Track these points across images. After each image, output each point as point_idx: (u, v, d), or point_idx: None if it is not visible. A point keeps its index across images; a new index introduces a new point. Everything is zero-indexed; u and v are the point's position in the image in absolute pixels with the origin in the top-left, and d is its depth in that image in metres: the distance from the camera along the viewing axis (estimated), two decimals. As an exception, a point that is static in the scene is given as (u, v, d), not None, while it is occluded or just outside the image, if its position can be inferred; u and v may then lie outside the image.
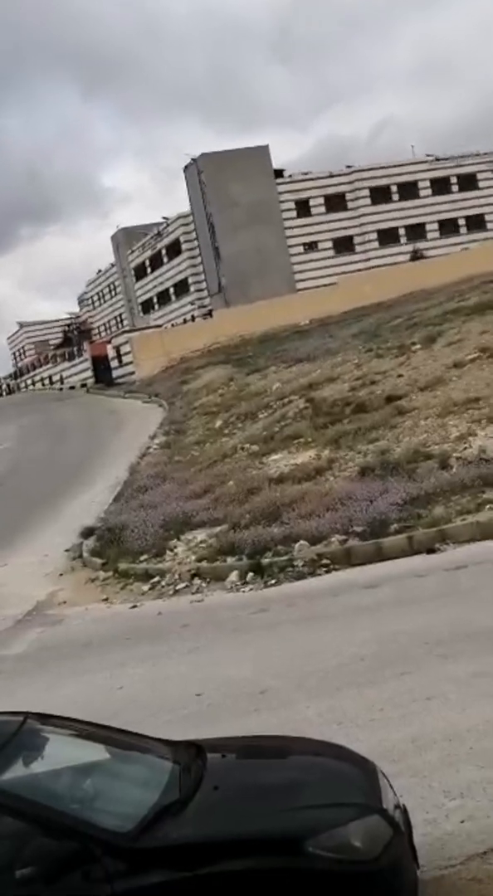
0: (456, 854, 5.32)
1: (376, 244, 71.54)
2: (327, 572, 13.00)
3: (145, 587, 14.51)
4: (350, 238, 71.68)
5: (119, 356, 59.46)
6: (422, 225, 72.70)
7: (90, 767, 5.03)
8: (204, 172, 66.06)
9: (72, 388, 63.94)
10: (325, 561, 13.23)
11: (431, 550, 12.71)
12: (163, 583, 14.39)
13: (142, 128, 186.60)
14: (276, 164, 70.29)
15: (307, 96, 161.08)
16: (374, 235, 71.81)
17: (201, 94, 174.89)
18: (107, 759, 5.14)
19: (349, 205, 71.64)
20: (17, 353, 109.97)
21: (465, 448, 15.91)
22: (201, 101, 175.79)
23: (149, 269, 79.79)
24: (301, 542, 13.69)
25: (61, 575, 16.55)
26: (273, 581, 13.14)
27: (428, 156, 74.11)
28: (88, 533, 18.21)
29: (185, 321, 66.88)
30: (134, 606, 13.77)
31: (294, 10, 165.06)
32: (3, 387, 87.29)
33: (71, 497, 22.84)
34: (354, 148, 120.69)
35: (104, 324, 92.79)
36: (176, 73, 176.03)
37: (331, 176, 71.63)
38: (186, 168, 69.09)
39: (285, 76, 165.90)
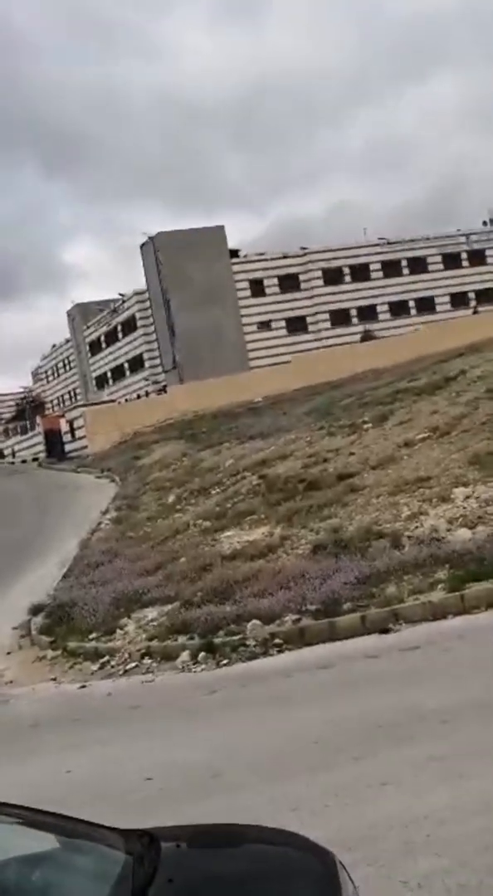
0: None
1: (328, 324, 72.86)
2: (280, 652, 12.88)
3: (95, 667, 14.26)
4: (303, 318, 72.95)
5: (72, 430, 59.34)
6: (373, 306, 74.29)
7: (38, 858, 4.84)
8: (160, 251, 67.02)
9: (24, 461, 63.51)
10: (278, 640, 13.12)
11: (384, 630, 12.67)
12: (113, 662, 14.16)
13: (103, 206, 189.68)
14: (236, 245, 71.78)
15: (266, 179, 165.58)
16: (326, 315, 73.15)
17: (162, 176, 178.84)
18: (56, 850, 4.95)
19: (303, 285, 73.07)
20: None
21: (416, 527, 15.98)
22: (162, 182, 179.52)
23: (104, 345, 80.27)
24: (254, 621, 13.57)
25: (8, 653, 16.24)
26: (226, 661, 12.98)
27: (380, 239, 76.04)
28: (36, 610, 17.93)
29: (139, 396, 67.15)
30: (83, 686, 13.51)
31: (253, 98, 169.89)
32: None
33: (20, 573, 22.50)
34: (310, 229, 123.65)
35: (58, 398, 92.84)
36: (137, 155, 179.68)
37: (285, 257, 73.11)
38: (142, 246, 70.07)
39: (245, 159, 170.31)
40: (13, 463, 64.76)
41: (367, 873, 5.78)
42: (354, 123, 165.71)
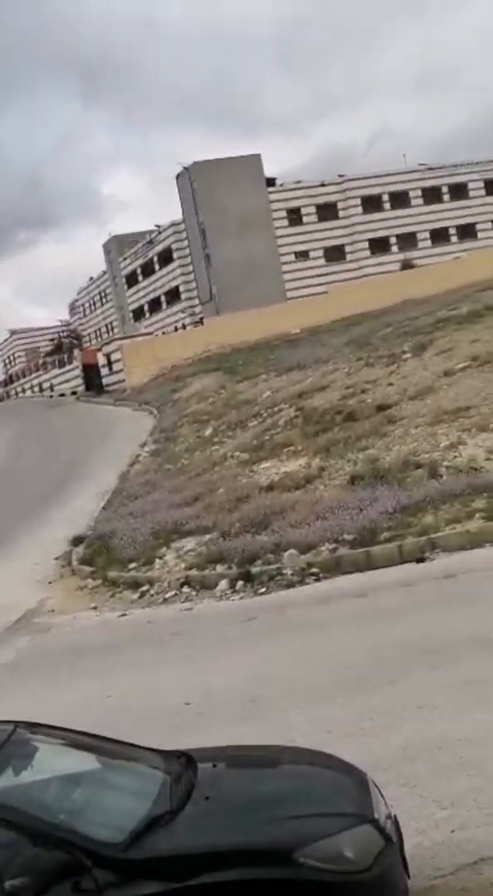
0: (447, 864, 5.31)
1: (367, 253, 71.80)
2: (317, 581, 12.99)
3: (135, 596, 14.48)
4: (341, 247, 71.94)
5: (110, 364, 59.37)
6: (413, 234, 73.00)
7: (80, 777, 5.00)
8: (196, 181, 66.14)
9: (62, 395, 63.80)
10: (314, 570, 13.22)
11: (420, 559, 12.71)
12: (152, 591, 14.36)
13: (141, 135, 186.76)
14: (275, 172, 70.73)
15: (307, 104, 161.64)
16: (365, 244, 72.07)
17: (201, 102, 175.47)
18: (97, 769, 5.12)
19: (341, 214, 71.92)
20: (7, 360, 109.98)
21: (455, 457, 15.92)
22: (201, 108, 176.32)
23: (140, 277, 79.87)
24: (291, 550, 13.67)
25: (51, 583, 16.51)
26: (263, 590, 13.12)
27: (420, 165, 74.44)
28: (77, 541, 18.17)
29: (176, 329, 66.89)
30: (123, 615, 13.74)
31: (293, 20, 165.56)
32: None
33: (61, 505, 22.78)
34: (352, 156, 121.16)
35: (95, 331, 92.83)
36: (176, 81, 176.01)
37: (322, 185, 71.90)
38: (178, 176, 69.17)
39: (285, 84, 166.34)
40: (52, 396, 65.08)
41: (400, 793, 5.91)
42: (398, 46, 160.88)
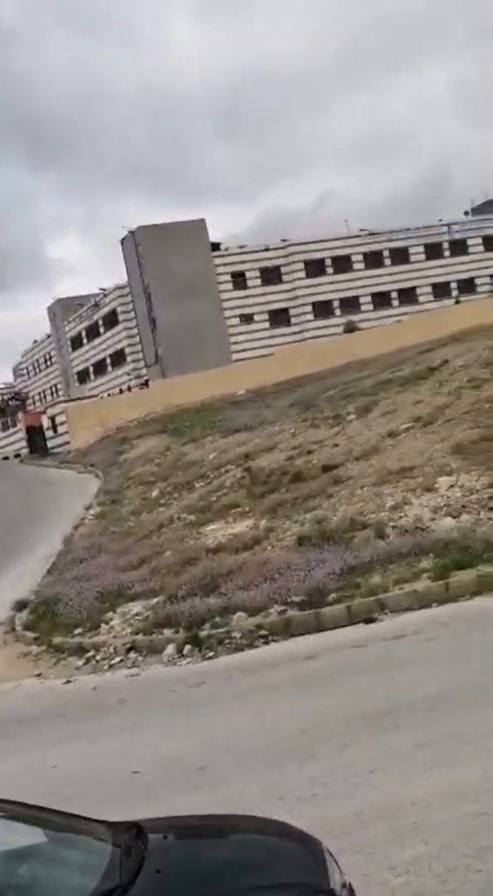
0: (403, 934, 5.20)
1: (310, 316, 72.81)
2: (266, 643, 12.89)
3: (80, 662, 14.23)
4: (286, 310, 72.87)
5: (54, 426, 59.15)
6: (356, 298, 74.25)
7: (26, 852, 4.82)
8: (141, 245, 66.81)
9: (6, 458, 63.28)
10: (263, 632, 13.12)
11: (369, 620, 12.69)
12: (98, 657, 14.13)
13: (88, 200, 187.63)
14: (223, 236, 71.93)
15: (252, 171, 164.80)
16: (309, 308, 73.10)
17: (147, 169, 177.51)
18: (43, 843, 4.93)
19: (285, 277, 72.97)
20: None
21: (401, 517, 16.01)
22: (147, 175, 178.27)
23: (85, 340, 79.98)
24: (239, 613, 13.58)
25: (-7, 649, 16.17)
26: (211, 653, 12.98)
27: (362, 230, 75.96)
28: (20, 606, 17.87)
29: (121, 391, 66.89)
30: (68, 682, 13.48)
31: (237, 89, 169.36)
32: None
33: (3, 569, 22.42)
34: (297, 221, 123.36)
35: (40, 393, 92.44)
36: (122, 147, 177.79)
37: (266, 249, 73.01)
38: (123, 240, 69.83)
39: (231, 151, 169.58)
40: (-5, 459, 64.59)
41: (355, 860, 5.79)
42: (341, 114, 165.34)
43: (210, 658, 12.86)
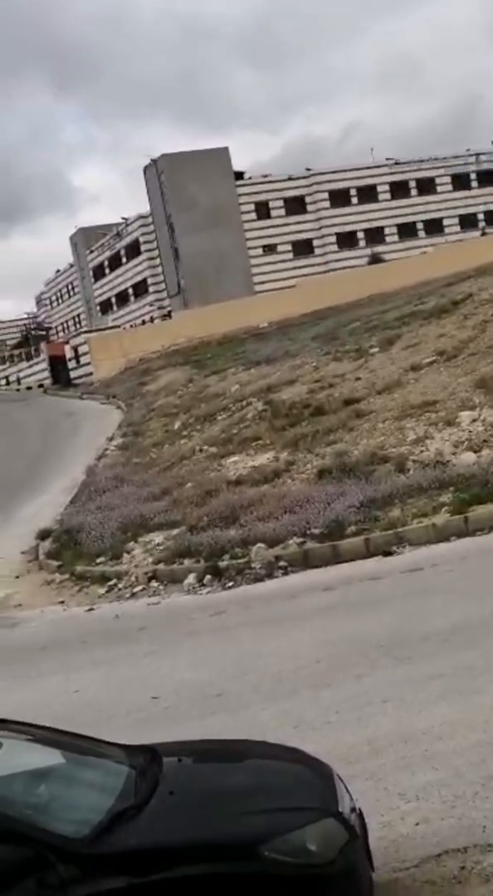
0: (411, 856, 5.34)
1: (334, 247, 71.92)
2: (285, 574, 13.04)
3: (102, 590, 14.45)
4: (309, 241, 71.99)
5: (77, 357, 59.11)
6: (381, 228, 73.20)
7: (45, 772, 4.98)
8: (164, 173, 65.99)
9: (29, 388, 63.40)
10: (282, 563, 13.27)
11: (387, 553, 12.79)
12: (120, 585, 14.34)
13: (113, 128, 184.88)
14: (249, 166, 70.69)
15: (279, 101, 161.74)
16: (333, 238, 72.18)
17: (173, 96, 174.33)
18: (62, 764, 5.10)
19: (309, 208, 71.95)
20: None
21: (421, 451, 16.03)
22: (173, 102, 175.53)
23: (107, 270, 79.50)
24: (259, 544, 13.71)
25: (17, 577, 16.44)
26: (231, 583, 13.15)
27: (388, 160, 74.61)
28: (44, 535, 18.10)
29: (143, 322, 66.68)
30: (90, 609, 13.71)
31: (267, 14, 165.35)
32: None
33: (27, 499, 22.67)
34: (324, 151, 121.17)
35: (62, 324, 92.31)
36: (149, 74, 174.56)
37: (290, 179, 71.89)
38: (146, 169, 68.96)
39: (258, 78, 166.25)
40: (19, 390, 64.64)
41: (366, 786, 5.94)
42: (370, 40, 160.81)
43: (229, 588, 13.03)
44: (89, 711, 8.73)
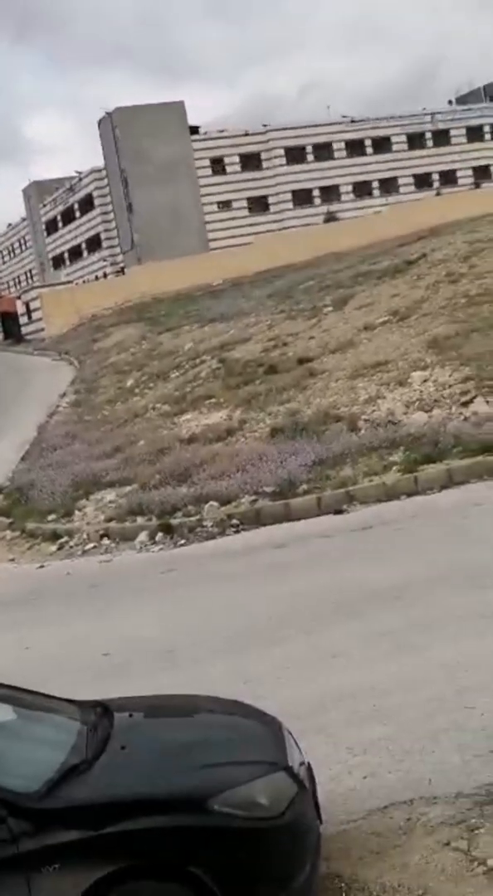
0: (358, 809, 5.44)
1: (290, 205, 71.56)
2: (237, 532, 13.10)
3: (53, 547, 14.41)
4: (265, 198, 71.55)
5: (29, 312, 58.42)
6: (336, 186, 72.92)
7: (-5, 728, 4.98)
8: (118, 127, 65.00)
9: (-21, 343, 62.51)
10: (234, 521, 13.32)
11: (338, 511, 12.89)
12: (71, 543, 14.30)
13: (68, 78, 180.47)
14: (206, 122, 69.62)
15: (238, 55, 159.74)
16: (288, 196, 71.78)
17: (130, 47, 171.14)
18: (12, 720, 5.10)
19: (265, 164, 71.41)
20: None
21: (373, 411, 16.11)
22: (130, 54, 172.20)
23: (61, 224, 78.42)
24: (211, 502, 13.73)
25: (-33, 534, 16.30)
26: (183, 541, 13.17)
27: (344, 117, 74.15)
28: (-6, 492, 17.95)
29: (97, 278, 66.02)
30: (41, 566, 13.68)
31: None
32: None
33: (-22, 455, 22.43)
34: (282, 106, 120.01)
35: (14, 279, 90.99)
36: (105, 24, 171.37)
37: (246, 135, 71.24)
38: (100, 122, 67.86)
39: (217, 33, 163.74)
40: (-31, 345, 63.83)
41: (315, 741, 6.02)
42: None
43: (182, 545, 13.06)
44: (40, 667, 8.71)
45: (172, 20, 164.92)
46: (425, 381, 16.71)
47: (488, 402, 14.96)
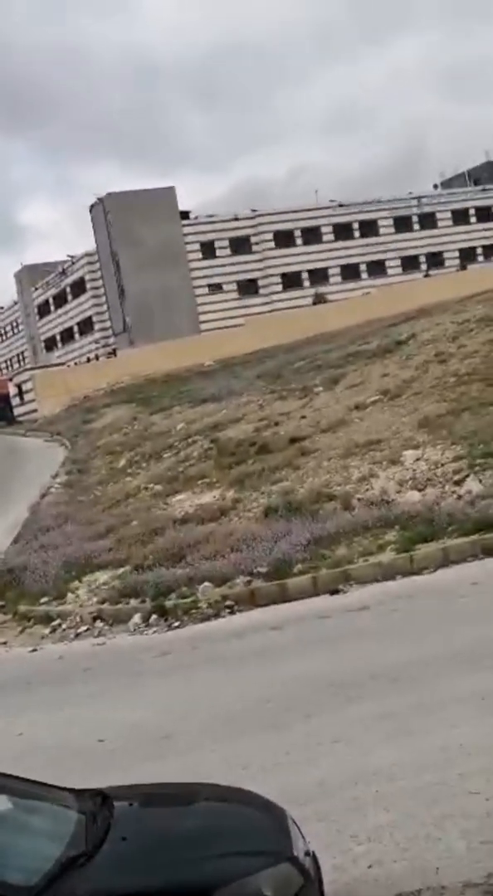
0: (364, 899, 5.30)
1: (279, 287, 72.63)
2: (232, 614, 12.97)
3: (46, 630, 14.24)
4: (255, 280, 72.63)
5: (21, 394, 58.72)
6: (325, 269, 74.10)
7: (-9, 819, 4.85)
8: (110, 212, 66.20)
9: (-29, 425, 62.64)
10: (229, 602, 13.20)
11: (334, 591, 12.80)
12: (64, 626, 14.14)
13: (62, 165, 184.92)
14: (196, 207, 71.04)
15: (227, 143, 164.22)
16: (278, 279, 72.90)
17: (122, 137, 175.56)
18: (9, 810, 4.97)
19: (254, 248, 72.65)
20: None
21: (367, 490, 16.12)
22: (122, 144, 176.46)
23: (53, 307, 79.32)
24: (205, 583, 13.64)
25: (-42, 617, 16.11)
26: (177, 623, 13.04)
27: (332, 201, 75.70)
28: (-14, 574, 17.78)
29: (89, 360, 66.48)
30: (34, 650, 13.50)
31: (214, 60, 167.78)
32: None
33: (-31, 537, 22.29)
34: (271, 192, 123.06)
35: (6, 361, 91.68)
36: (98, 114, 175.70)
37: (236, 219, 72.60)
38: (92, 207, 69.13)
39: (206, 122, 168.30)
40: (-39, 427, 63.92)
41: (318, 828, 5.89)
42: (317, 86, 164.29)
43: (176, 628, 12.92)
44: (35, 754, 8.55)
45: (162, 110, 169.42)
46: (417, 459, 16.77)
47: (480, 480, 14.99)
